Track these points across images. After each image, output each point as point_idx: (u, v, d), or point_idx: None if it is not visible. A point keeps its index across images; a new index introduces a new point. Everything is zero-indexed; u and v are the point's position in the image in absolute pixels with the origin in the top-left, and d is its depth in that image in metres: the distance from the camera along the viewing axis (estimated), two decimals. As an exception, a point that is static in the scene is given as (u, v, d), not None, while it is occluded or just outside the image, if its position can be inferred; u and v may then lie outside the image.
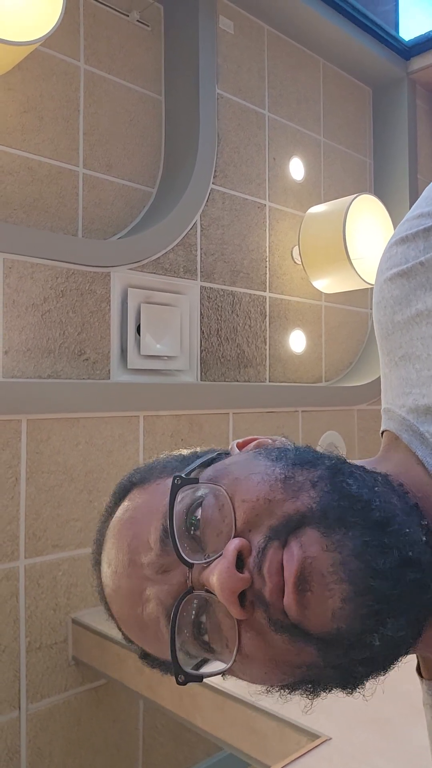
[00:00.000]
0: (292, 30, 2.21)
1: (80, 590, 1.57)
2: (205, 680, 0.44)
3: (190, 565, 0.41)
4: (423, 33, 2.46)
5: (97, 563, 0.50)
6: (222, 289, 1.96)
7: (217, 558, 0.40)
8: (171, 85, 1.90)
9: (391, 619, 0.37)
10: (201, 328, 1.90)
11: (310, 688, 0.42)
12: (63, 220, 1.65)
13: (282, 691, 0.44)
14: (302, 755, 0.94)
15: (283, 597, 0.38)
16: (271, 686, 0.43)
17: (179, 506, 0.43)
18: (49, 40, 1.49)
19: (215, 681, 1.19)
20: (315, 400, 2.18)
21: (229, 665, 0.41)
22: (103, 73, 1.75)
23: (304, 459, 0.43)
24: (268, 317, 2.11)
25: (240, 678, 0.44)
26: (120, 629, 0.49)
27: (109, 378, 1.67)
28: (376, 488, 0.41)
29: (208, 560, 0.41)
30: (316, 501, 0.40)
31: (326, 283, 2.22)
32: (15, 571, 1.46)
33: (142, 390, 1.68)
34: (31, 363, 1.53)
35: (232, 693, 1.14)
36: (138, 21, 1.83)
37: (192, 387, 1.83)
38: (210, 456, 0.49)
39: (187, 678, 0.42)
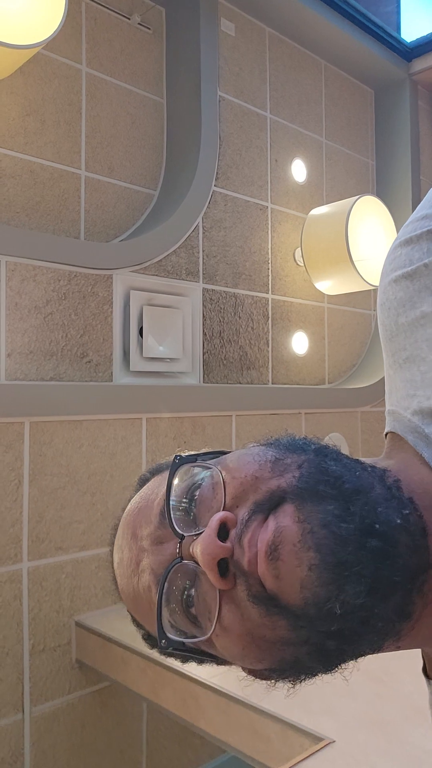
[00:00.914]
0: (294, 32, 2.21)
1: (84, 592, 1.57)
2: (209, 682, 0.44)
3: (181, 537, 0.44)
4: (425, 34, 2.46)
5: (112, 545, 0.53)
6: (224, 291, 1.97)
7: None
8: (172, 87, 1.91)
9: (350, 584, 0.38)
10: (203, 330, 1.90)
11: (289, 671, 0.43)
12: (65, 223, 1.65)
13: (267, 675, 0.44)
14: (306, 758, 0.94)
15: (257, 568, 0.40)
16: (253, 667, 0.44)
17: (178, 484, 0.46)
18: (51, 43, 1.50)
19: (219, 683, 1.18)
20: (318, 402, 2.18)
21: (208, 635, 0.42)
22: (105, 76, 1.76)
23: (296, 445, 0.46)
24: (270, 319, 2.11)
25: (221, 656, 0.44)
26: (128, 608, 0.52)
27: (112, 380, 1.68)
28: (357, 472, 0.43)
29: (197, 532, 0.43)
30: (297, 478, 0.42)
31: (329, 285, 2.21)
32: (18, 574, 1.46)
33: (145, 392, 1.68)
34: (34, 365, 1.53)
35: (236, 696, 1.14)
36: (139, 24, 1.83)
37: (194, 389, 1.83)
38: (219, 452, 0.51)
39: (168, 643, 0.43)
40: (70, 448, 1.55)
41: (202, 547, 0.41)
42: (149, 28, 1.87)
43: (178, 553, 0.44)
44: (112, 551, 0.52)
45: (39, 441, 1.50)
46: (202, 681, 1.21)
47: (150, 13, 1.86)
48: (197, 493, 0.45)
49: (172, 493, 0.45)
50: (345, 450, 2.25)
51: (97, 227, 1.72)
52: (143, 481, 0.53)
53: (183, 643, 0.44)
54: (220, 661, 0.48)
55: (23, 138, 1.58)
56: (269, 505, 0.41)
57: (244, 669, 0.49)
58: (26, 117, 1.59)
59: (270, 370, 2.10)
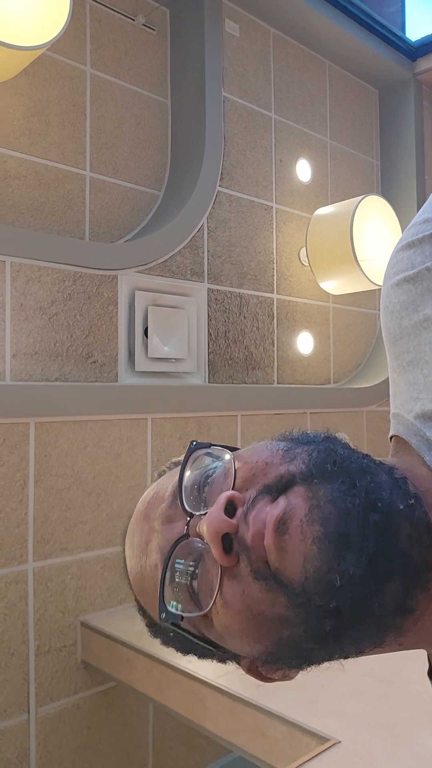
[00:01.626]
0: (298, 32, 2.21)
1: (89, 593, 1.57)
2: (215, 683, 0.44)
3: (190, 515, 0.45)
4: (429, 34, 2.46)
5: (125, 534, 0.54)
6: (229, 291, 1.96)
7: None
8: (177, 88, 1.91)
9: (351, 555, 0.38)
10: (208, 330, 1.90)
11: (288, 654, 0.43)
12: (70, 224, 1.65)
13: (266, 660, 0.44)
14: (311, 758, 0.94)
15: (263, 542, 0.40)
16: (251, 649, 0.43)
17: (192, 468, 0.47)
18: (56, 44, 1.50)
19: (225, 684, 1.18)
20: (323, 401, 2.17)
21: (207, 609, 0.43)
22: (110, 76, 1.76)
23: (307, 438, 0.47)
24: (275, 319, 2.11)
25: (221, 635, 0.44)
26: (134, 595, 0.52)
27: (117, 380, 1.68)
28: (364, 459, 0.44)
29: (205, 511, 0.44)
30: (306, 464, 0.43)
31: (334, 285, 2.21)
32: (24, 575, 1.46)
33: (150, 392, 1.68)
34: (39, 366, 1.53)
35: (242, 696, 1.14)
36: (144, 25, 1.84)
37: (200, 389, 1.83)
38: (227, 446, 0.53)
39: (168, 616, 0.44)
40: (75, 449, 1.55)
41: (208, 521, 0.42)
42: (154, 29, 1.87)
43: (186, 530, 0.45)
44: (124, 540, 0.53)
45: (44, 441, 1.50)
46: (209, 681, 1.21)
47: (154, 14, 1.87)
48: (210, 476, 0.46)
49: (186, 475, 0.46)
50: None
51: (101, 228, 1.72)
52: (160, 475, 0.54)
53: (181, 617, 0.44)
54: (216, 654, 0.48)
55: (28, 139, 1.58)
56: (277, 488, 0.42)
57: (249, 668, 0.48)
58: (31, 118, 1.59)
59: (275, 370, 2.10)
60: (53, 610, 1.51)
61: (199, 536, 0.44)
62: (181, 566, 0.44)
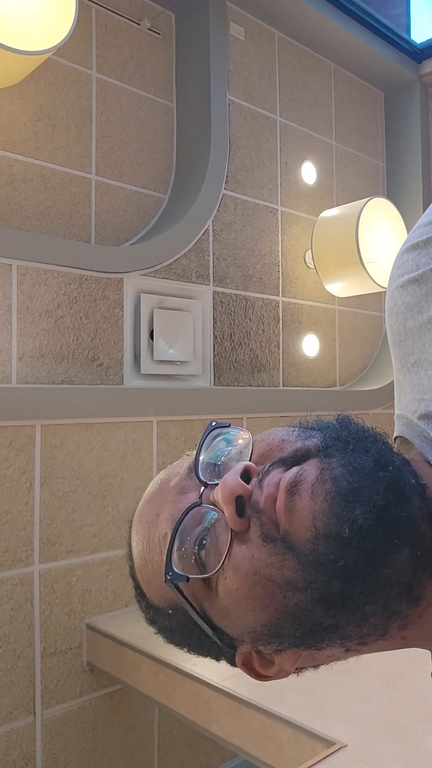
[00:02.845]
0: (303, 35, 2.21)
1: (95, 595, 1.57)
2: (221, 686, 0.44)
3: (205, 484, 0.46)
4: (435, 35, 2.46)
5: (131, 522, 0.53)
6: (235, 294, 1.97)
7: None
8: (182, 91, 1.92)
9: (360, 506, 0.39)
10: (214, 333, 1.90)
11: (292, 627, 0.42)
12: (76, 227, 1.66)
13: (268, 636, 0.43)
14: (317, 762, 0.93)
15: (275, 505, 0.41)
16: (254, 619, 0.43)
17: (211, 446, 0.48)
18: (62, 49, 1.51)
19: (231, 686, 1.18)
20: (329, 404, 2.17)
21: (215, 570, 0.43)
22: (115, 81, 1.77)
23: (322, 424, 0.48)
24: (281, 321, 2.11)
25: (225, 606, 0.44)
26: (132, 573, 0.51)
27: (123, 383, 1.68)
28: (370, 432, 0.46)
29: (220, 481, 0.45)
30: (321, 440, 0.44)
31: (339, 287, 2.21)
32: (29, 577, 1.46)
33: (156, 395, 1.68)
34: (45, 369, 1.54)
35: (248, 699, 1.14)
36: (149, 29, 1.84)
37: (205, 392, 1.83)
38: None
39: (173, 576, 0.44)
40: (81, 451, 1.56)
41: (222, 484, 0.43)
42: (159, 34, 1.88)
43: (199, 497, 0.45)
44: (131, 520, 0.53)
45: (50, 444, 1.50)
46: (214, 684, 1.21)
47: (160, 19, 1.87)
48: (226, 453, 0.48)
49: (202, 451, 0.48)
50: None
51: (107, 231, 1.73)
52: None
53: (187, 578, 0.44)
54: (217, 647, 0.47)
55: (34, 143, 1.59)
56: (292, 461, 0.43)
57: (243, 661, 0.48)
58: (37, 122, 1.60)
59: (281, 373, 2.10)
60: (59, 612, 1.51)
61: (212, 504, 0.44)
62: (190, 533, 0.45)
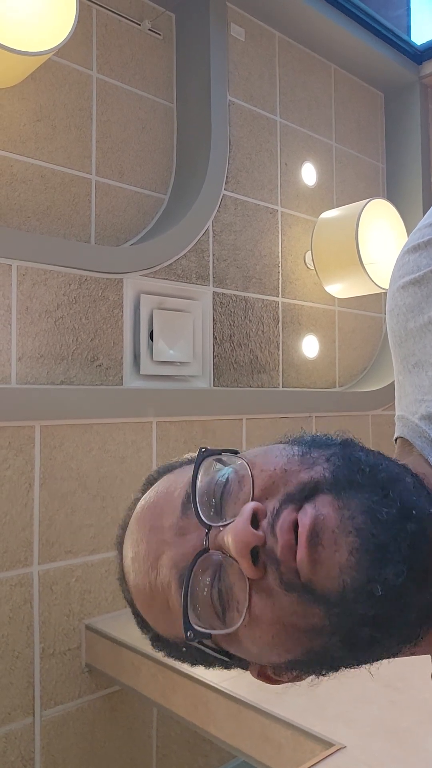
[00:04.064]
0: (303, 36, 2.21)
1: (94, 596, 1.57)
2: (219, 687, 0.44)
3: (208, 527, 0.43)
4: (435, 37, 2.46)
5: (120, 545, 0.51)
6: (234, 295, 1.96)
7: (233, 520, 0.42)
8: (183, 92, 1.92)
9: (391, 565, 0.38)
10: (214, 334, 1.90)
11: (318, 663, 0.42)
12: (76, 227, 1.66)
13: (290, 671, 0.43)
14: (316, 763, 0.93)
15: (294, 555, 0.39)
16: (279, 659, 0.43)
17: (203, 476, 0.45)
18: (62, 49, 1.51)
19: (230, 688, 1.18)
20: (329, 405, 2.17)
21: (238, 625, 0.41)
22: (116, 81, 1.77)
23: (319, 441, 0.46)
24: (281, 322, 2.11)
25: (247, 648, 0.43)
26: (134, 610, 0.50)
27: (122, 384, 1.68)
28: (386, 461, 0.43)
29: (225, 523, 0.42)
30: (329, 470, 0.42)
31: (339, 288, 2.21)
32: (28, 577, 1.46)
33: (156, 396, 1.68)
34: (45, 369, 1.53)
35: (247, 701, 1.13)
36: (150, 30, 1.84)
37: (205, 393, 1.83)
38: (232, 450, 0.51)
39: (195, 634, 0.42)
40: (80, 452, 1.56)
41: (234, 534, 0.40)
42: (159, 34, 1.88)
43: (205, 543, 0.43)
44: (120, 551, 0.51)
45: (49, 445, 1.50)
46: (213, 686, 1.20)
47: (160, 19, 1.87)
48: (223, 484, 0.45)
49: (198, 485, 0.44)
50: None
51: (107, 231, 1.73)
52: (151, 481, 0.52)
53: (209, 635, 0.42)
54: (228, 664, 0.47)
55: (34, 143, 1.59)
56: (300, 497, 0.41)
57: (259, 673, 0.48)
58: (37, 122, 1.60)
59: (280, 374, 2.10)
60: (58, 613, 1.51)
61: (219, 548, 0.42)
62: (201, 582, 0.43)
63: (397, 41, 2.37)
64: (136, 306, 1.71)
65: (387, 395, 2.29)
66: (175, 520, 0.45)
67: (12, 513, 1.44)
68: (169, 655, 0.49)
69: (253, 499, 0.42)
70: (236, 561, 0.41)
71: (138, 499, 0.52)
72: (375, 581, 0.37)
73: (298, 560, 0.39)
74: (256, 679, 0.49)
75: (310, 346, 2.20)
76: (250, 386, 2.00)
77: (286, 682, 0.49)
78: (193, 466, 0.46)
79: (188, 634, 0.42)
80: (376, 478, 0.41)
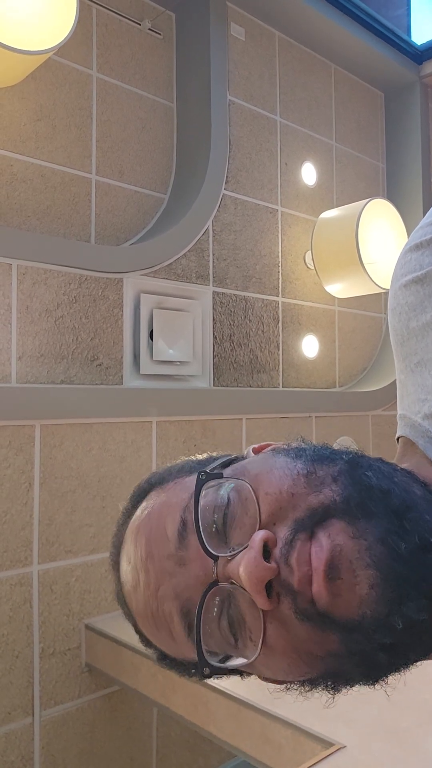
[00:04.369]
0: (303, 36, 2.21)
1: (93, 596, 1.57)
2: (219, 686, 0.43)
3: (216, 558, 0.41)
4: (435, 37, 2.46)
5: (116, 564, 0.50)
6: (234, 295, 1.96)
7: (242, 550, 0.41)
8: (183, 92, 1.91)
9: (413, 601, 0.37)
10: (213, 334, 1.89)
11: (331, 682, 0.42)
12: (76, 227, 1.66)
13: (302, 687, 0.43)
14: (316, 763, 0.93)
15: (311, 586, 0.38)
16: (292, 681, 0.43)
17: (202, 500, 0.43)
18: (62, 49, 1.50)
19: (229, 687, 1.18)
20: (329, 405, 2.17)
21: (255, 657, 0.41)
22: (116, 81, 1.77)
23: (323, 455, 0.44)
24: (281, 322, 2.11)
25: (261, 673, 0.43)
26: (137, 630, 0.49)
27: (122, 383, 1.68)
28: (395, 478, 0.42)
29: (233, 552, 0.41)
30: (338, 494, 0.40)
31: (339, 288, 2.21)
32: (28, 577, 1.46)
33: (155, 395, 1.68)
34: (45, 368, 1.53)
35: (247, 700, 1.13)
36: (150, 29, 1.84)
37: (205, 392, 1.82)
38: (228, 458, 0.49)
39: (212, 670, 0.41)
40: (80, 452, 1.55)
41: (248, 570, 0.39)
42: (160, 34, 1.88)
43: (214, 574, 0.41)
44: (116, 572, 0.49)
45: (49, 444, 1.50)
46: (213, 685, 1.20)
47: (160, 19, 1.87)
48: (225, 506, 0.43)
49: (199, 512, 0.42)
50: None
51: (107, 231, 1.73)
52: (141, 494, 0.50)
53: (227, 669, 0.42)
54: (241, 674, 0.47)
55: (34, 143, 1.59)
56: (311, 523, 0.40)
57: (264, 678, 0.47)
58: (37, 122, 1.60)
59: (280, 374, 2.10)
60: (58, 612, 1.51)
61: (227, 579, 0.41)
62: (210, 612, 0.42)
63: (397, 41, 2.37)
64: (136, 305, 1.71)
65: (387, 395, 2.29)
66: (173, 549, 0.43)
67: (12, 512, 1.44)
68: (177, 672, 0.48)
69: (260, 525, 0.41)
70: (245, 590, 0.40)
71: (128, 514, 0.50)
72: (396, 615, 0.37)
73: (314, 592, 0.38)
74: (256, 679, 0.49)
75: (310, 346, 2.20)
76: (250, 386, 2.00)
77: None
78: (186, 483, 0.45)
79: (204, 670, 0.41)
80: (390, 503, 0.40)
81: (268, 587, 0.39)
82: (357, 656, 0.39)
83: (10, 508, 1.43)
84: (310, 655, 0.40)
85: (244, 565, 0.39)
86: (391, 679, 0.42)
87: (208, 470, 0.45)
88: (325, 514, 0.40)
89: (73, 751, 1.54)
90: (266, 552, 0.40)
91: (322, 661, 0.40)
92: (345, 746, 0.97)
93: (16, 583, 1.44)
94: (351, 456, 0.44)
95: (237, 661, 0.42)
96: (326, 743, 0.98)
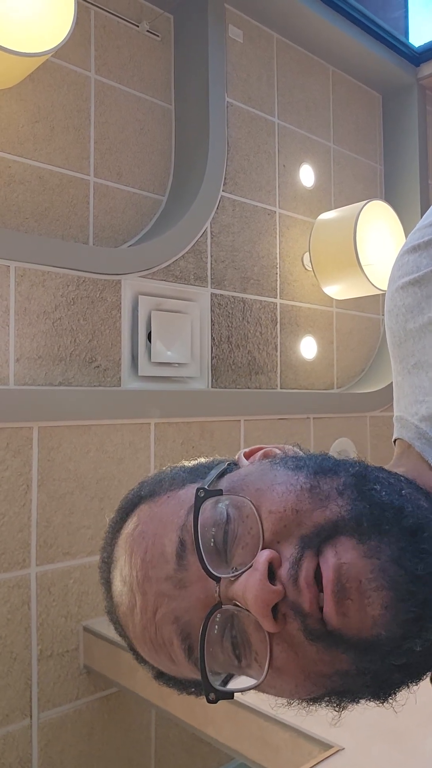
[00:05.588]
0: (301, 38, 2.22)
1: (91, 598, 1.57)
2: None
3: (218, 579, 0.40)
4: (433, 39, 2.46)
5: (107, 582, 0.48)
6: (232, 296, 1.96)
7: (246, 570, 0.39)
8: (181, 93, 1.92)
9: (429, 621, 0.37)
10: (212, 335, 1.89)
11: (338, 699, 0.41)
12: (74, 229, 1.66)
13: (307, 703, 0.42)
14: (315, 765, 0.93)
15: (320, 607, 0.37)
16: (298, 699, 0.42)
17: (201, 519, 0.41)
18: (60, 50, 1.50)
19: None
20: (326, 406, 2.17)
21: (261, 680, 0.40)
22: (114, 82, 1.77)
23: (325, 467, 0.42)
24: (279, 324, 2.11)
25: (267, 693, 0.42)
26: (133, 650, 0.47)
27: (120, 385, 1.68)
28: (403, 491, 0.41)
29: (235, 573, 0.40)
30: (346, 509, 0.39)
31: (337, 290, 2.21)
32: (26, 579, 1.46)
33: (153, 397, 1.68)
34: (43, 370, 1.53)
35: (245, 703, 1.13)
36: (148, 31, 1.84)
37: (203, 394, 1.82)
38: (222, 467, 0.47)
39: (218, 695, 0.40)
40: (78, 453, 1.55)
41: (254, 593, 0.38)
42: (158, 36, 1.88)
43: (217, 596, 0.40)
44: (108, 590, 0.47)
45: (47, 446, 1.50)
46: (211, 688, 1.20)
47: (158, 21, 1.87)
48: (224, 524, 0.42)
49: (199, 532, 0.41)
50: (353, 455, 2.23)
51: (105, 233, 1.73)
52: (132, 506, 0.48)
53: (232, 693, 0.41)
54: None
55: (32, 144, 1.59)
56: (318, 540, 0.38)
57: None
58: (35, 124, 1.60)
59: (278, 375, 2.10)
60: (56, 614, 1.50)
61: (231, 601, 0.40)
62: (213, 634, 0.40)
63: (395, 43, 2.38)
64: (134, 307, 1.71)
65: (385, 396, 2.29)
66: (171, 572, 0.42)
67: (10, 514, 1.43)
68: (177, 689, 0.47)
69: (263, 545, 0.40)
70: (249, 611, 0.38)
71: (117, 528, 0.48)
72: (415, 639, 0.36)
73: (325, 613, 0.37)
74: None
75: (308, 348, 2.20)
76: (248, 387, 2.00)
77: None
78: (181, 497, 0.43)
79: (210, 696, 0.40)
80: (403, 523, 0.39)
81: (274, 609, 0.38)
82: (368, 676, 0.38)
83: (8, 510, 1.43)
84: (319, 674, 0.39)
85: (250, 589, 0.38)
86: (400, 695, 0.41)
87: (206, 487, 0.43)
88: (333, 531, 0.38)
89: (72, 753, 1.53)
90: (271, 573, 0.39)
91: (330, 680, 0.39)
92: (343, 748, 0.97)
93: (14, 585, 1.44)
94: (355, 468, 0.42)
95: (243, 686, 0.41)
96: (325, 745, 0.98)
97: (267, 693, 0.42)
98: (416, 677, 0.39)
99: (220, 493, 0.43)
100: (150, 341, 1.73)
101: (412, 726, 1.02)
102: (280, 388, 2.10)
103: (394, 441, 0.52)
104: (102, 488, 1.59)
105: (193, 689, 0.45)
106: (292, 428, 2.05)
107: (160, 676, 0.47)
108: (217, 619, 0.40)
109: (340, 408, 2.22)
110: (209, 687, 0.40)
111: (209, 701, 0.41)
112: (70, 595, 1.53)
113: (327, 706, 0.42)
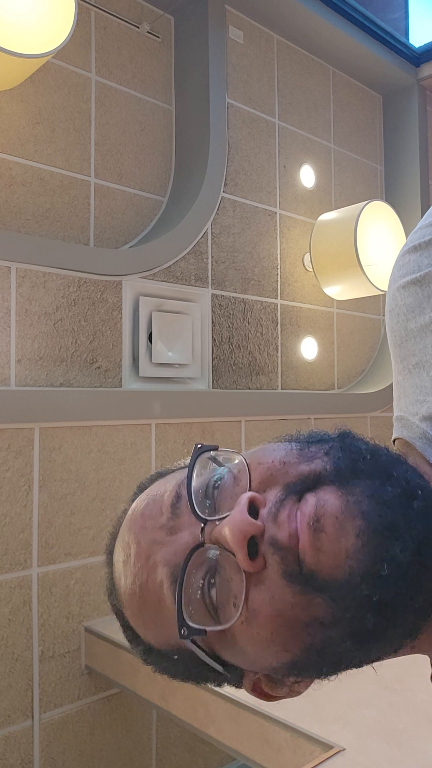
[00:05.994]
0: (302, 38, 2.22)
1: (93, 598, 1.57)
2: (219, 689, 0.43)
3: (204, 521, 0.41)
4: (433, 39, 2.46)
5: (110, 553, 0.49)
6: (233, 297, 1.97)
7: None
8: (181, 94, 1.92)
9: (398, 543, 0.37)
10: (212, 336, 1.90)
11: (319, 660, 0.40)
12: (75, 230, 1.66)
13: (288, 672, 0.42)
14: (316, 766, 0.93)
15: (298, 542, 0.38)
16: (276, 661, 0.41)
17: (199, 473, 0.44)
18: (61, 52, 1.51)
19: (230, 690, 1.18)
20: (327, 407, 2.17)
21: (234, 619, 0.40)
22: (114, 84, 1.77)
23: (316, 437, 0.45)
24: (279, 324, 2.11)
25: (243, 648, 0.41)
26: (124, 623, 0.48)
27: (121, 386, 1.68)
28: (385, 451, 0.43)
29: (221, 516, 0.41)
30: (329, 463, 0.41)
31: (338, 290, 2.21)
32: (28, 580, 1.46)
33: (154, 398, 1.68)
34: (44, 371, 1.53)
35: (246, 703, 1.13)
36: (148, 32, 1.85)
37: (204, 394, 1.83)
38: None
39: (189, 631, 0.40)
40: (79, 454, 1.56)
41: (231, 524, 0.39)
42: (158, 37, 1.88)
43: (202, 537, 0.41)
44: (109, 562, 0.49)
45: (48, 447, 1.50)
46: (212, 688, 1.20)
47: (159, 22, 1.88)
48: (219, 480, 0.43)
49: (193, 480, 0.43)
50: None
51: (106, 234, 1.73)
52: (142, 488, 0.50)
53: (204, 631, 0.40)
54: (222, 677, 0.45)
55: (33, 146, 1.59)
56: (302, 488, 0.40)
57: (254, 687, 0.46)
58: (36, 125, 1.60)
59: (279, 376, 2.10)
60: (57, 615, 1.51)
61: (216, 542, 0.41)
62: (195, 579, 0.41)
63: (395, 44, 2.38)
64: (135, 308, 1.72)
65: (386, 397, 2.29)
66: (165, 520, 0.43)
67: (11, 515, 1.44)
68: (160, 669, 0.47)
69: (250, 491, 0.41)
70: (233, 554, 0.39)
71: (128, 507, 0.50)
72: (382, 560, 0.37)
73: (300, 548, 0.38)
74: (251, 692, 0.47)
75: (308, 348, 2.20)
76: (249, 388, 2.00)
77: (282, 697, 0.47)
78: (186, 467, 0.45)
79: (182, 631, 0.40)
80: (378, 462, 0.41)
81: (254, 548, 0.39)
82: (343, 622, 0.38)
83: (9, 511, 1.43)
84: (295, 621, 0.38)
85: (228, 521, 0.39)
86: (391, 681, 0.41)
87: (203, 444, 0.46)
88: (317, 481, 0.40)
89: (73, 753, 1.54)
90: (255, 513, 0.40)
91: (307, 632, 0.39)
92: (344, 749, 0.97)
93: (16, 586, 1.44)
94: (343, 432, 0.45)
95: (219, 626, 0.41)
96: (325, 746, 0.99)
97: (242, 648, 0.41)
98: (392, 623, 0.38)
99: (216, 448, 0.46)
100: (151, 342, 1.73)
101: (411, 726, 1.03)
102: (281, 389, 2.10)
103: (394, 441, 0.52)
104: (103, 489, 1.60)
105: (175, 656, 0.45)
106: (292, 429, 2.04)
107: (148, 652, 0.47)
108: (201, 563, 0.41)
109: (340, 408, 2.22)
110: (182, 621, 0.40)
111: (181, 636, 0.40)
112: (71, 596, 1.53)
113: (310, 672, 0.41)
